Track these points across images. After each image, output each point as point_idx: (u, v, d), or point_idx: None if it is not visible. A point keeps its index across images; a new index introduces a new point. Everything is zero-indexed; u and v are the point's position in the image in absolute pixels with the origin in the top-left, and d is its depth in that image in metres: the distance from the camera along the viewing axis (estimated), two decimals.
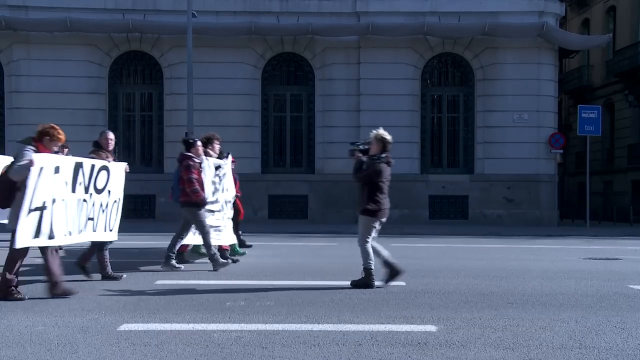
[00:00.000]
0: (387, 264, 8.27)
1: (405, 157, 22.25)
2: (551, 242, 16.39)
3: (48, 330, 5.81)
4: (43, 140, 7.23)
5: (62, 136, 7.35)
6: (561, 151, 23.27)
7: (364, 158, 8.47)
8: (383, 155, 8.24)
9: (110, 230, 8.61)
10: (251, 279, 8.99)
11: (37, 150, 7.12)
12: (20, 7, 21.90)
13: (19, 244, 6.89)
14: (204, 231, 9.73)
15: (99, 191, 8.13)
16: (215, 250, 9.91)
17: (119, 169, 8.73)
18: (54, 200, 7.21)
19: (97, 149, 8.71)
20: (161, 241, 11.89)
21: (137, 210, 21.48)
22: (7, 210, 7.25)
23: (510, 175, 22.20)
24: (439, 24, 21.97)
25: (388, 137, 8.26)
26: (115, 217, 8.68)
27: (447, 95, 23.02)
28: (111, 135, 8.91)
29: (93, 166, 8.02)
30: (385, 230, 12.28)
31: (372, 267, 8.17)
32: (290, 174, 22.64)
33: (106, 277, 8.73)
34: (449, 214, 22.24)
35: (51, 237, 7.21)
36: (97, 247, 8.79)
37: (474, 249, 14.03)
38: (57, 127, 7.32)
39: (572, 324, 6.21)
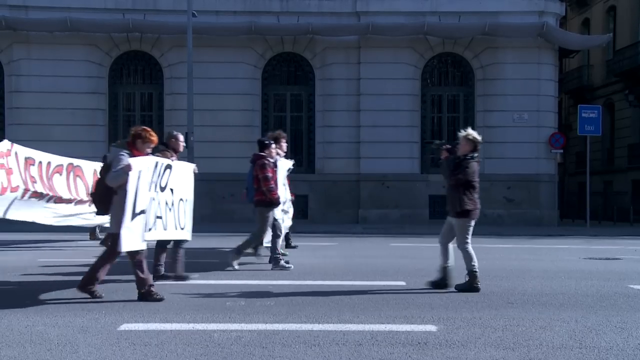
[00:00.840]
0: (444, 270, 8.20)
1: (405, 157, 22.28)
2: (551, 242, 16.39)
3: (48, 330, 5.81)
4: (136, 143, 7.23)
5: (155, 137, 7.35)
6: (561, 151, 23.27)
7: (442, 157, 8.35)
8: (475, 154, 8.19)
9: (182, 229, 8.52)
10: (251, 279, 8.99)
11: (132, 154, 7.13)
12: (20, 6, 21.90)
13: (125, 247, 6.93)
14: (260, 233, 9.91)
15: (162, 189, 8.12)
16: (280, 251, 10.12)
17: (185, 169, 8.68)
18: (150, 201, 7.29)
19: (165, 148, 8.74)
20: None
21: None
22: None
23: (511, 175, 22.19)
24: (439, 24, 21.96)
25: (479, 137, 8.21)
26: (184, 216, 8.60)
27: (447, 95, 23.01)
28: (182, 138, 9.06)
29: (162, 165, 8.01)
30: (385, 229, 12.32)
31: (477, 269, 8.06)
32: (290, 174, 22.57)
33: (178, 277, 8.61)
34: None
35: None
36: (172, 245, 8.77)
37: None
38: (148, 129, 7.36)
39: (572, 324, 6.21)
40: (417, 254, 12.21)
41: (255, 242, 10.03)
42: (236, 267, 9.84)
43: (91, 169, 13.22)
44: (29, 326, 5.94)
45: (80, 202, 12.32)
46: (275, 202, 9.84)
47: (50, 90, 21.83)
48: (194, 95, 20.01)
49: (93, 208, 12.91)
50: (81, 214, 12.44)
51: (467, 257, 8.09)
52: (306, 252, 12.81)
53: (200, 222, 18.96)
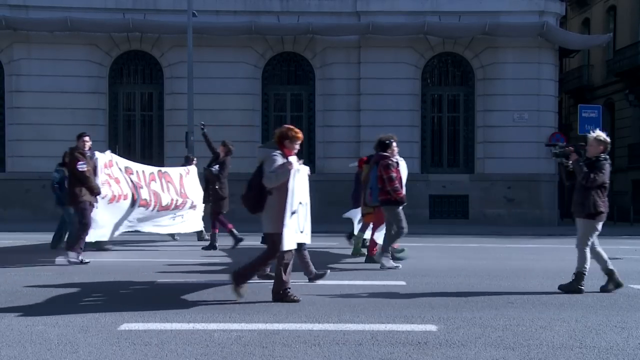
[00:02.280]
0: (608, 271, 8.18)
1: (405, 157, 21.97)
2: (552, 241, 16.39)
3: (48, 329, 5.81)
4: (285, 143, 7.22)
5: (301, 135, 7.34)
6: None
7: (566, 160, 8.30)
8: (605, 156, 8.18)
9: (301, 232, 8.52)
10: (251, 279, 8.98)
11: (283, 154, 7.13)
12: (20, 6, 21.90)
13: (286, 246, 7.00)
14: (399, 230, 10.02)
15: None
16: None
17: (303, 172, 8.73)
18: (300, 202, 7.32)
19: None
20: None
21: None
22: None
23: (511, 175, 22.19)
24: (439, 24, 21.96)
25: (608, 138, 8.20)
26: (304, 219, 8.62)
27: (447, 94, 23.01)
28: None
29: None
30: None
31: (587, 272, 8.05)
32: None
33: (314, 277, 8.59)
34: (449, 214, 22.24)
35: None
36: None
37: (474, 249, 14.03)
38: (292, 127, 7.35)
39: (572, 324, 6.21)
40: (417, 254, 12.20)
41: (396, 239, 10.22)
42: (392, 264, 10.08)
43: (177, 173, 13.50)
44: (29, 326, 5.94)
45: (177, 207, 12.66)
46: (401, 201, 10.01)
47: (51, 90, 21.84)
48: (194, 95, 20.02)
49: (187, 211, 13.37)
50: (171, 225, 13.04)
51: (582, 258, 8.08)
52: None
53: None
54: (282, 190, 6.98)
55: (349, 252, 12.03)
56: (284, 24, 22.05)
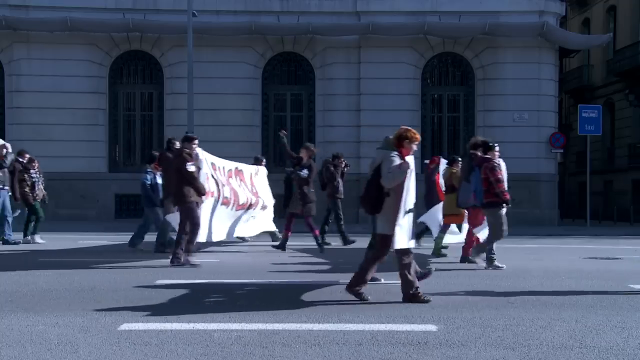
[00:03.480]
0: None
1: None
2: (551, 241, 16.38)
3: (48, 329, 5.81)
4: (403, 144, 7.23)
5: (419, 136, 7.36)
6: (561, 151, 23.28)
7: None
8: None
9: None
10: (251, 279, 8.99)
11: (401, 155, 7.13)
12: (20, 6, 21.91)
13: (399, 245, 7.02)
14: (500, 233, 10.12)
15: None
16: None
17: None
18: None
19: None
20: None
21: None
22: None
23: (511, 175, 21.81)
24: (439, 24, 21.96)
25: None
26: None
27: (447, 94, 23.02)
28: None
29: None
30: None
31: None
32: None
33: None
34: None
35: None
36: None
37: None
38: (411, 129, 7.37)
39: (572, 324, 6.21)
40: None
41: (493, 242, 10.28)
42: (482, 263, 10.28)
43: (249, 172, 13.42)
44: (29, 326, 5.94)
45: (251, 206, 12.63)
46: (507, 202, 10.14)
47: (51, 90, 21.84)
48: (194, 95, 20.02)
49: (259, 211, 13.38)
50: (245, 225, 13.02)
51: None
52: (307, 252, 12.81)
53: None
54: (399, 191, 7.00)
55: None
56: (284, 24, 22.05)
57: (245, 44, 22.19)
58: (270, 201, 13.91)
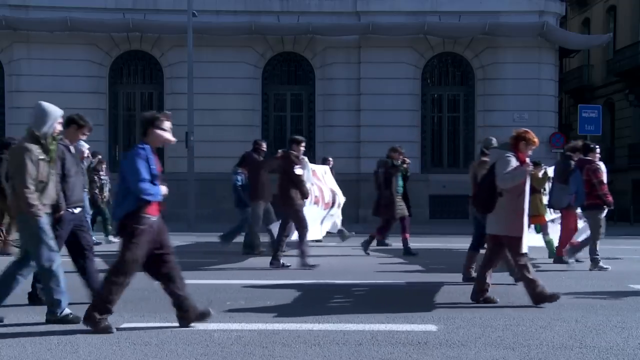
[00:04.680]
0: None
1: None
2: None
3: (48, 329, 5.81)
4: (519, 145, 7.21)
5: (537, 140, 7.34)
6: (562, 151, 23.25)
7: None
8: None
9: None
10: (252, 279, 8.99)
11: (516, 156, 7.12)
12: (20, 6, 21.90)
13: (524, 248, 7.08)
14: (598, 235, 10.16)
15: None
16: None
17: None
18: None
19: None
20: None
21: None
22: None
23: None
24: (439, 24, 21.96)
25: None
26: None
27: (447, 94, 23.01)
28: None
29: None
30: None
31: None
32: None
33: (470, 279, 8.58)
34: (449, 214, 22.21)
35: None
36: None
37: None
38: (530, 131, 7.34)
39: (572, 324, 6.21)
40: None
41: (594, 243, 10.29)
42: (573, 261, 10.40)
43: (320, 171, 13.39)
44: (29, 325, 5.94)
45: (332, 204, 12.64)
46: (609, 205, 10.20)
47: (51, 90, 21.76)
48: (194, 95, 20.01)
49: (335, 210, 13.31)
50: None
51: None
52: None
53: (201, 222, 19.02)
54: (513, 192, 6.98)
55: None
56: (284, 24, 22.04)
57: (245, 44, 22.18)
58: (342, 199, 13.93)
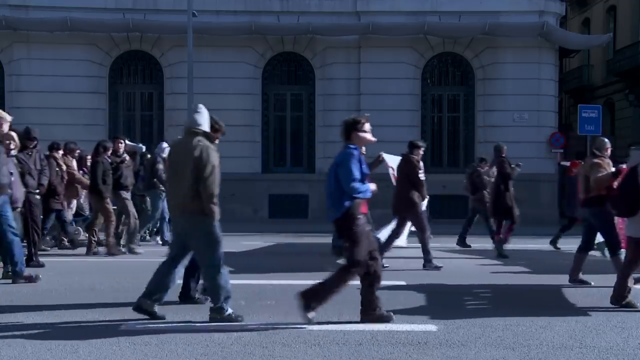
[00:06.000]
0: None
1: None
2: None
3: (48, 329, 5.81)
4: None
5: None
6: (561, 151, 23.25)
7: None
8: None
9: None
10: (252, 279, 8.99)
11: None
12: (20, 6, 21.89)
13: None
14: None
15: None
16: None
17: None
18: None
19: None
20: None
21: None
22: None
23: None
24: (439, 24, 21.95)
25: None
26: None
27: (447, 94, 23.00)
28: None
29: None
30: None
31: None
32: (291, 174, 22.64)
33: (577, 281, 8.58)
34: (449, 214, 22.19)
35: None
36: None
37: (474, 249, 14.00)
38: None
39: (572, 324, 6.21)
40: (417, 254, 12.18)
41: None
42: None
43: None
44: (29, 325, 5.94)
45: None
46: None
47: (51, 90, 21.83)
48: (194, 95, 20.00)
49: None
50: None
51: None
52: (306, 252, 12.81)
53: None
54: None
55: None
56: (284, 24, 22.04)
57: (245, 44, 22.18)
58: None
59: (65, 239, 12.52)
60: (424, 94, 22.76)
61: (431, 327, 6.00)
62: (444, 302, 7.30)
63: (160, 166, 12.93)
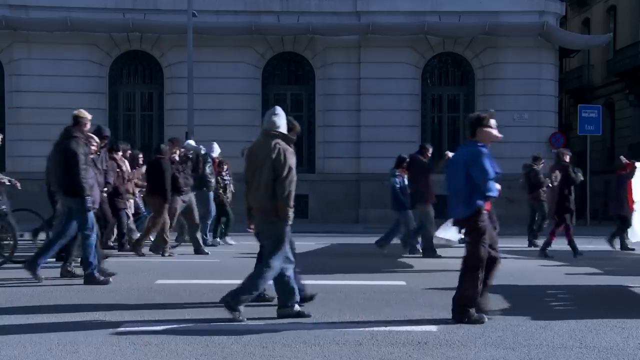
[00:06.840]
0: None
1: None
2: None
3: (48, 329, 5.81)
4: None
5: None
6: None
7: None
8: None
9: None
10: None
11: None
12: (20, 6, 21.89)
13: None
14: None
15: None
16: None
17: None
18: None
19: None
20: None
21: None
22: None
23: (511, 175, 21.93)
24: (439, 24, 21.95)
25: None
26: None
27: (447, 94, 23.00)
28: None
29: None
30: (386, 229, 12.45)
31: None
32: None
33: None
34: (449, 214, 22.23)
35: None
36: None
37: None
38: None
39: (572, 324, 6.21)
40: (417, 254, 12.19)
41: None
42: None
43: None
44: (29, 325, 5.94)
45: None
46: None
47: (51, 90, 21.82)
48: (194, 95, 20.01)
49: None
50: None
51: None
52: (306, 252, 12.80)
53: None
54: None
55: None
56: (284, 24, 22.04)
57: (245, 44, 22.17)
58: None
59: (128, 240, 12.33)
60: (424, 93, 22.75)
61: (431, 327, 6.00)
62: (444, 302, 7.30)
63: (210, 166, 12.96)
